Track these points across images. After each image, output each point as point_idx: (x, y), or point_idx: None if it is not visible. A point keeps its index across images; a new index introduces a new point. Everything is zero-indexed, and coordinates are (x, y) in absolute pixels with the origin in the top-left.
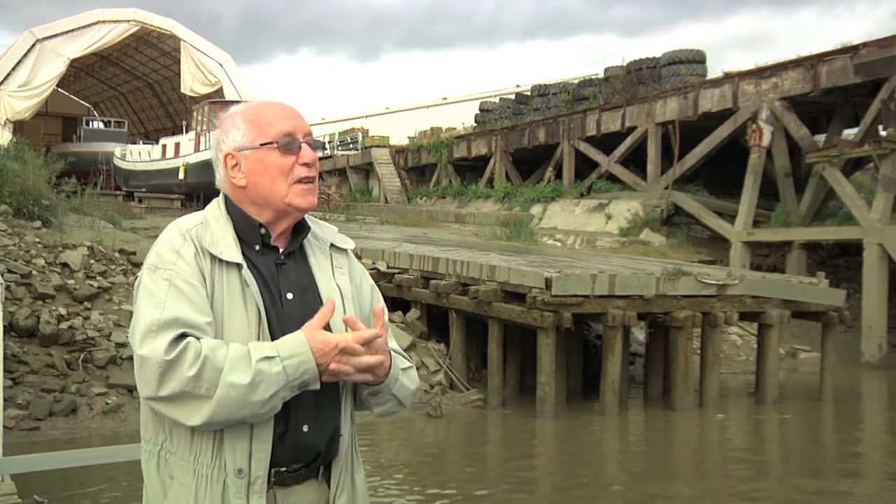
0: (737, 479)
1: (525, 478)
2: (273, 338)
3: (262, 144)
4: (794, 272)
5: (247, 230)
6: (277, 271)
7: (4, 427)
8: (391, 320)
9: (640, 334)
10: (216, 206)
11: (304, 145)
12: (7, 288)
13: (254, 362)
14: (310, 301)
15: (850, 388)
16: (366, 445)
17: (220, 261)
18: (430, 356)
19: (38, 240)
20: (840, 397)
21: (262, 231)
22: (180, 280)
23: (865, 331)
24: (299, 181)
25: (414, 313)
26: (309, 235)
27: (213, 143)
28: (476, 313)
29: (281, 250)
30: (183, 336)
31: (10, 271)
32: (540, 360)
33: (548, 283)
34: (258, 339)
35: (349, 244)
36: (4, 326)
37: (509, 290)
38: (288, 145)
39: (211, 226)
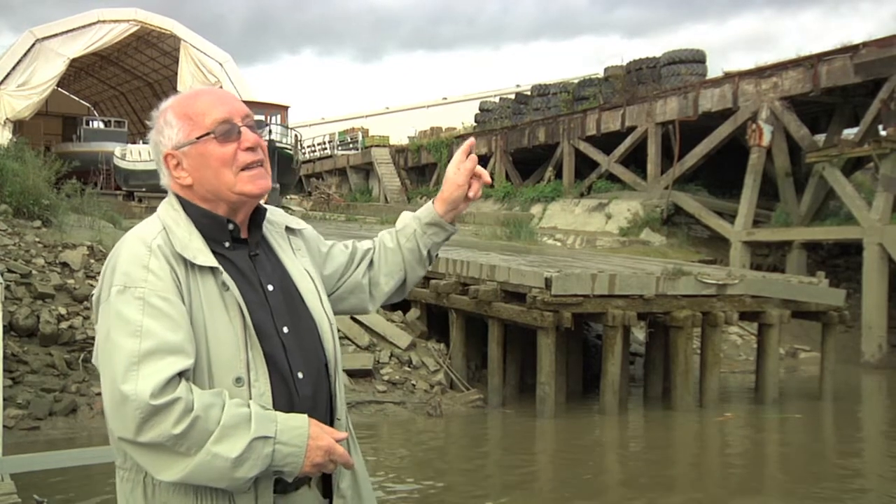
0: (737, 478)
1: (525, 477)
2: (261, 337)
3: (198, 137)
4: (794, 272)
5: (213, 228)
6: (254, 264)
7: (4, 426)
8: (391, 320)
9: (640, 334)
10: (171, 209)
11: (243, 129)
12: (7, 287)
13: (250, 439)
14: (287, 289)
15: (850, 388)
16: (366, 445)
17: (194, 266)
18: (430, 356)
19: (38, 239)
20: (840, 397)
21: (231, 227)
22: (154, 297)
23: (865, 331)
24: (246, 167)
25: (414, 313)
26: (265, 221)
27: (150, 144)
28: (476, 313)
29: (247, 241)
30: (176, 377)
31: (10, 271)
32: (540, 360)
33: (548, 282)
34: (245, 343)
35: (303, 224)
36: (4, 326)
37: (509, 290)
38: (226, 133)
39: (174, 231)
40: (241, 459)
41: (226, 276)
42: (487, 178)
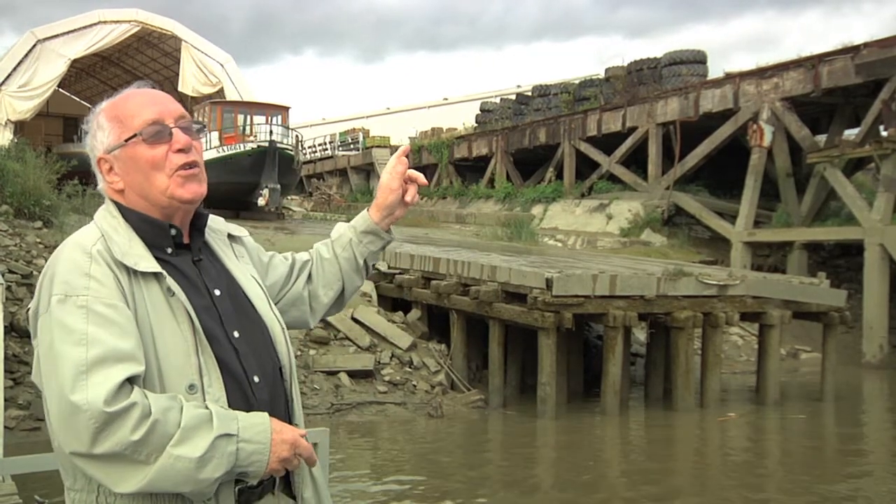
0: (737, 479)
1: (526, 478)
2: (212, 342)
3: (127, 140)
4: (794, 272)
5: (155, 234)
6: (198, 269)
7: (5, 427)
8: (392, 321)
9: (640, 335)
10: (109, 216)
11: (175, 131)
12: (8, 288)
13: (214, 437)
14: (235, 294)
15: (851, 389)
16: (367, 445)
17: (136, 273)
18: (431, 356)
19: (39, 240)
20: (841, 398)
21: (174, 232)
22: (98, 304)
23: (866, 331)
24: (178, 170)
25: (415, 314)
26: (206, 228)
27: (87, 149)
28: (477, 314)
29: (190, 247)
30: (127, 383)
31: (11, 272)
32: (541, 361)
33: (548, 283)
34: (196, 349)
35: (244, 231)
36: (5, 327)
37: (510, 291)
38: (156, 134)
39: (113, 238)
40: (204, 459)
41: (171, 281)
42: (423, 181)
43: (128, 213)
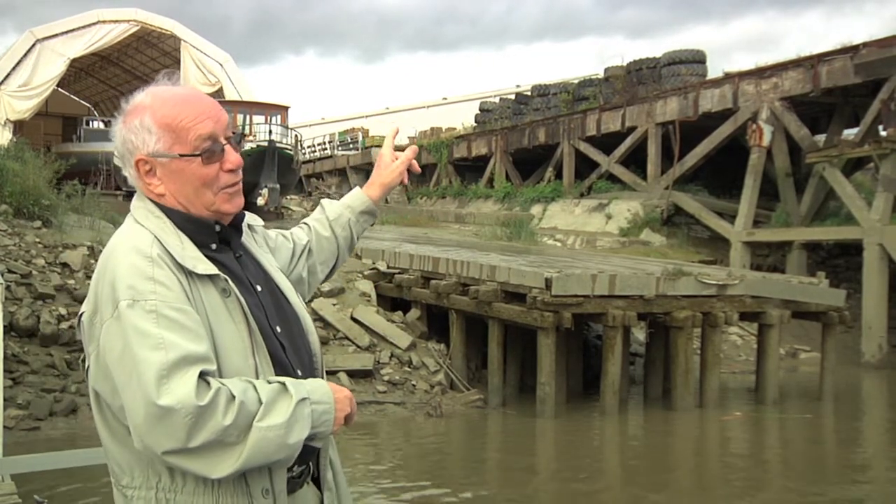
0: (737, 479)
1: (525, 478)
2: (266, 341)
3: (181, 155)
4: (794, 272)
5: (199, 232)
6: (240, 265)
7: (5, 427)
8: (391, 320)
9: (640, 334)
10: (152, 216)
11: (227, 149)
12: (7, 288)
13: (295, 401)
14: (272, 288)
15: (851, 389)
16: (366, 445)
17: (193, 275)
18: (431, 356)
19: (38, 240)
20: (840, 397)
21: (218, 228)
22: (167, 308)
23: (865, 331)
24: (225, 188)
25: (414, 313)
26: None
27: (118, 137)
28: (476, 313)
29: (231, 243)
30: (203, 375)
31: (10, 271)
32: (540, 361)
33: (548, 283)
34: (252, 349)
35: (258, 220)
36: (5, 326)
37: (509, 291)
38: (210, 152)
39: (165, 239)
40: (291, 422)
41: (229, 283)
42: (417, 168)
43: (171, 213)
